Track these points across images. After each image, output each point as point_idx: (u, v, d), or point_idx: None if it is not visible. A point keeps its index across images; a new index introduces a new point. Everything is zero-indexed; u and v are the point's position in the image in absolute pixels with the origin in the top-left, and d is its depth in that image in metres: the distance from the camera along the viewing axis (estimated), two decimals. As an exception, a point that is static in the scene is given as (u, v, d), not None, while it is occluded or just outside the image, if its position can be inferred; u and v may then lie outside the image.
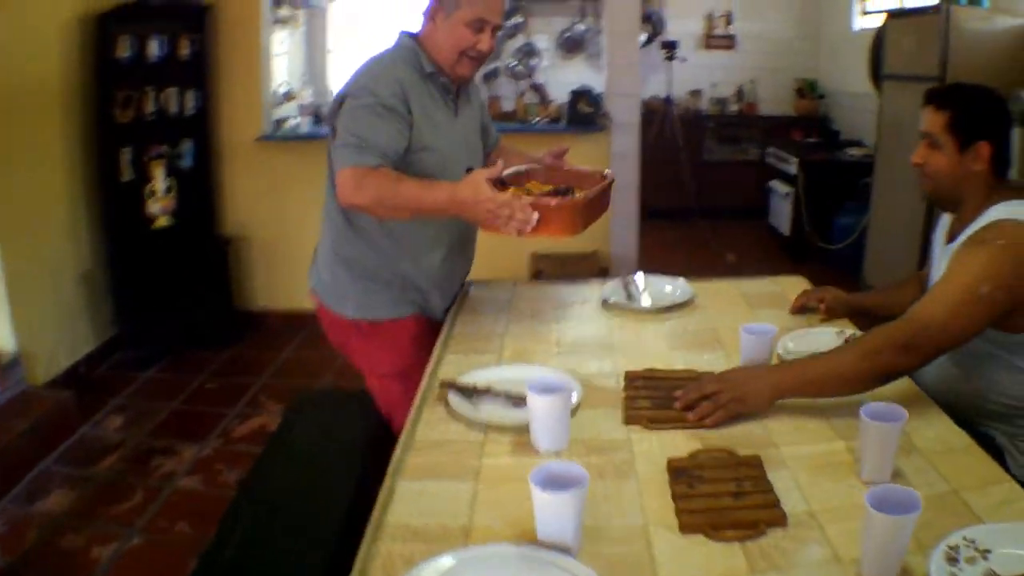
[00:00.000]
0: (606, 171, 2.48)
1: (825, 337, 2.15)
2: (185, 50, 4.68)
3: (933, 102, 2.06)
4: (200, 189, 4.90)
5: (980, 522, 1.34)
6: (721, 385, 1.77)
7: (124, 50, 4.42)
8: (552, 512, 1.26)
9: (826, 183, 6.43)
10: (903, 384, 1.87)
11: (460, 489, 1.50)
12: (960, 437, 1.67)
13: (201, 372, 4.49)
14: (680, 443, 1.65)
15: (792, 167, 6.67)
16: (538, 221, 2.02)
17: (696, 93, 8.08)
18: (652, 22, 7.67)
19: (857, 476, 1.51)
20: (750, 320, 2.08)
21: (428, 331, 2.40)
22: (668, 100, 7.21)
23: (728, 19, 8.02)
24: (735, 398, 1.74)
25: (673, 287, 2.63)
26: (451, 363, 2.11)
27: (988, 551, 1.24)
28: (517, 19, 7.17)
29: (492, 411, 1.80)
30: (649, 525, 1.37)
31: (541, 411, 1.61)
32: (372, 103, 2.10)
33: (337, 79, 6.25)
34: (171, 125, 4.72)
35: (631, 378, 1.97)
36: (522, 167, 2.49)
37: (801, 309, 2.42)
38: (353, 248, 2.35)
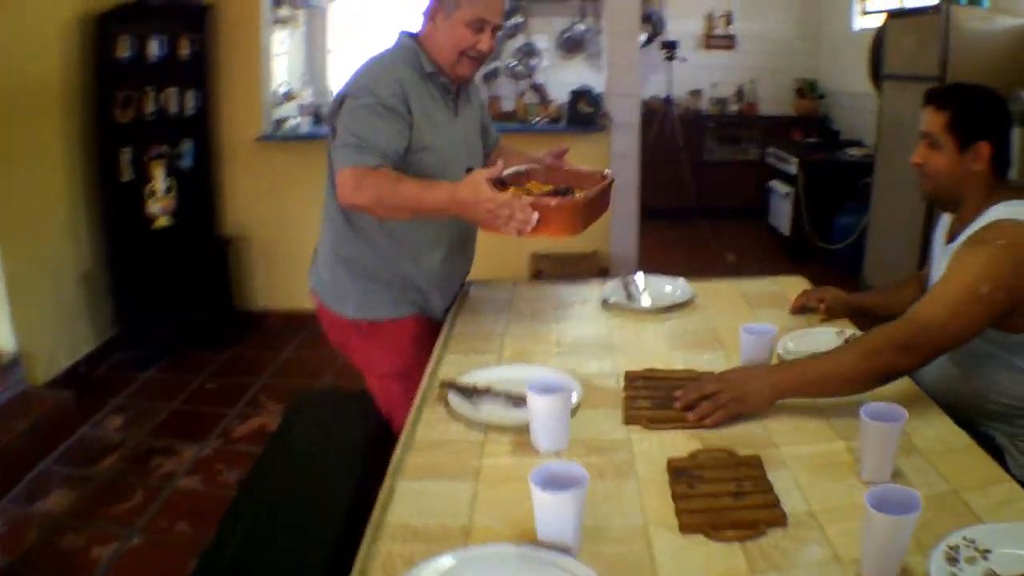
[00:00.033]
0: (606, 171, 2.48)
1: (825, 337, 2.15)
2: (185, 50, 4.68)
3: (933, 102, 2.06)
4: (200, 189, 4.90)
5: (980, 522, 1.33)
6: (721, 385, 1.77)
7: (124, 50, 4.42)
8: (552, 512, 1.26)
9: (826, 183, 6.43)
10: (903, 384, 1.87)
11: (460, 489, 1.50)
12: (960, 437, 1.67)
13: (201, 372, 4.49)
14: (680, 443, 1.65)
15: (792, 167, 6.67)
16: (538, 221, 2.02)
17: (696, 93, 8.08)
18: (652, 22, 7.67)
19: (857, 476, 1.51)
20: (750, 320, 2.08)
21: (428, 331, 2.40)
22: (668, 100, 7.21)
23: (728, 19, 8.03)
24: (735, 398, 1.74)
25: (673, 287, 2.63)
26: (451, 363, 2.11)
27: (988, 551, 1.24)
28: (517, 19, 7.17)
29: (492, 411, 1.80)
30: (649, 525, 1.37)
31: (541, 411, 1.61)
32: (372, 103, 2.10)
33: (337, 79, 6.25)
34: (171, 125, 4.72)
35: (631, 378, 1.97)
36: (522, 167, 2.49)
37: (801, 309, 2.42)
38: (353, 248, 2.35)
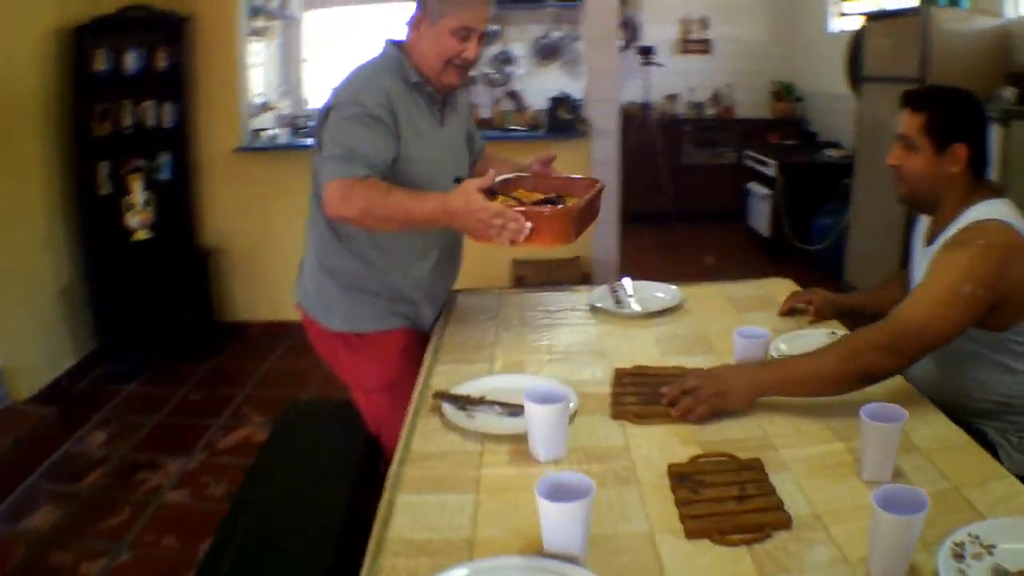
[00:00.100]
0: (597, 179, 2.47)
1: (818, 339, 2.15)
2: (162, 62, 4.65)
3: (910, 104, 2.07)
4: (179, 201, 4.85)
5: (982, 518, 1.35)
6: (702, 381, 1.80)
7: (101, 63, 4.40)
8: (559, 522, 1.25)
9: (805, 185, 6.48)
10: (897, 383, 1.88)
11: (461, 501, 1.49)
12: (957, 435, 1.69)
13: (183, 384, 4.45)
14: (680, 448, 1.65)
15: (771, 169, 6.71)
16: (531, 230, 2.00)
17: (673, 98, 8.11)
18: (628, 28, 7.70)
19: (858, 476, 1.51)
20: (739, 324, 2.09)
21: (417, 343, 2.37)
22: (646, 105, 7.24)
23: (704, 23, 8.06)
24: (716, 393, 1.77)
25: (660, 292, 2.62)
26: (442, 374, 2.09)
27: (993, 546, 1.25)
28: (494, 27, 7.16)
29: (488, 421, 1.79)
30: (655, 532, 1.37)
31: (540, 420, 1.60)
32: (358, 113, 2.08)
33: (313, 89, 6.25)
34: (149, 138, 4.68)
35: (620, 375, 2.00)
36: (509, 175, 2.47)
37: (790, 311, 2.43)
38: (340, 259, 2.32)
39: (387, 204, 2.01)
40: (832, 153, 6.69)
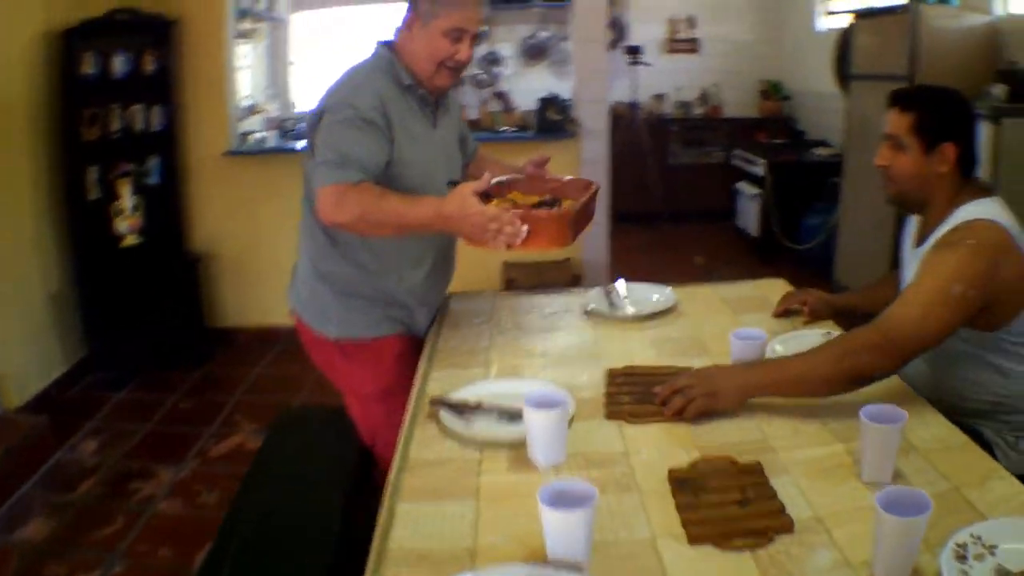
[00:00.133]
0: (592, 180, 2.46)
1: (813, 339, 2.13)
2: (150, 66, 4.62)
3: (897, 104, 2.07)
4: (168, 206, 4.83)
5: (983, 518, 1.35)
6: (693, 380, 1.81)
7: (89, 67, 4.38)
8: (563, 530, 1.25)
9: (794, 184, 6.49)
10: (894, 384, 1.88)
11: (461, 509, 1.48)
12: (956, 435, 1.69)
13: (174, 392, 4.42)
14: (679, 452, 1.64)
15: (760, 169, 6.72)
16: (528, 234, 1.99)
17: (660, 97, 8.11)
18: (615, 27, 7.70)
19: (858, 478, 1.51)
20: (734, 325, 2.09)
21: (411, 349, 2.35)
22: (634, 105, 7.24)
23: (691, 23, 8.07)
24: (705, 393, 1.78)
25: (655, 294, 2.62)
26: (438, 380, 2.07)
27: (995, 546, 1.25)
28: (482, 28, 7.14)
29: (486, 427, 1.77)
30: (657, 537, 1.36)
31: (539, 426, 1.59)
32: (351, 116, 2.05)
33: (300, 91, 6.23)
34: (137, 142, 4.66)
35: (613, 375, 2.01)
36: (503, 177, 2.45)
37: (785, 312, 2.42)
38: (334, 265, 2.29)
39: (381, 209, 1.99)
40: (820, 152, 6.70)
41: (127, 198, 4.51)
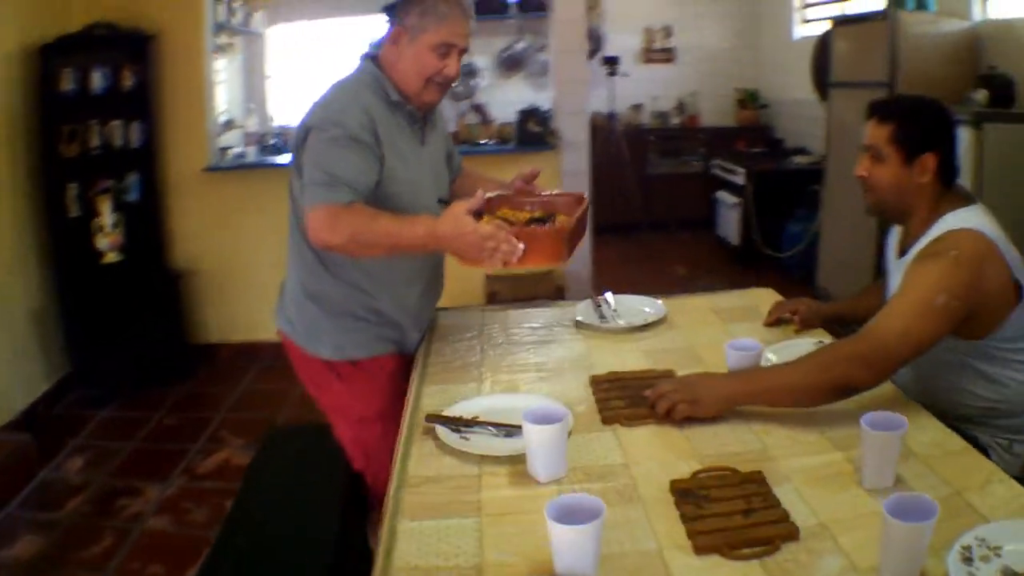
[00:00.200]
0: (583, 194, 2.45)
1: (805, 348, 2.13)
2: (128, 81, 4.59)
3: (876, 114, 2.07)
4: (148, 222, 4.80)
5: (986, 521, 1.36)
6: (676, 386, 1.84)
7: (67, 83, 4.36)
8: (571, 545, 1.24)
9: (774, 192, 6.52)
10: (890, 390, 1.89)
11: (464, 526, 1.46)
12: (954, 440, 1.70)
13: (158, 408, 4.39)
14: (679, 463, 1.64)
15: (739, 178, 6.75)
16: (523, 251, 1.96)
17: (637, 107, 8.16)
18: (592, 38, 7.71)
19: (859, 485, 1.52)
20: (725, 335, 2.09)
21: (403, 368, 2.31)
22: (611, 116, 7.26)
23: (667, 32, 8.11)
24: (687, 399, 1.79)
25: (644, 306, 2.61)
26: (431, 396, 2.05)
27: (1000, 548, 1.27)
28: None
29: (484, 442, 1.75)
30: (663, 549, 1.36)
31: (539, 441, 1.58)
32: (339, 135, 2.01)
33: (278, 105, 6.21)
34: (116, 158, 4.63)
35: (597, 382, 2.02)
36: (492, 194, 2.39)
37: (776, 322, 2.43)
38: (325, 285, 2.24)
39: (373, 231, 1.95)
40: (800, 159, 6.75)
41: (107, 215, 4.49)
